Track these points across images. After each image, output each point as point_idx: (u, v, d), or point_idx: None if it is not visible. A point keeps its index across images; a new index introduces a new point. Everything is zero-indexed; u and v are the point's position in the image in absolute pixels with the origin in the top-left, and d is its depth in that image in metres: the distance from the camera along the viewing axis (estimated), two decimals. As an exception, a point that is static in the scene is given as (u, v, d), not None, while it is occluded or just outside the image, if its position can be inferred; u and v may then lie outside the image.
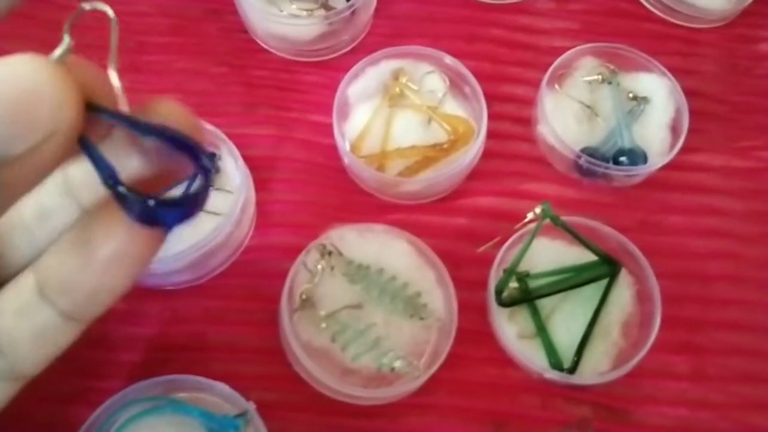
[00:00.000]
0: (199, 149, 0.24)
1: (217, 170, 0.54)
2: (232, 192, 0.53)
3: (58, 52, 0.23)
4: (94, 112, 0.23)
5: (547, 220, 0.52)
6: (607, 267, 0.55)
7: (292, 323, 0.48)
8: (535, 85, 0.63)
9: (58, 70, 0.21)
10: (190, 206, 0.24)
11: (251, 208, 0.55)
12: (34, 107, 0.21)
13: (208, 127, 0.53)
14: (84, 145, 0.23)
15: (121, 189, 0.23)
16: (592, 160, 0.58)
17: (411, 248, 0.53)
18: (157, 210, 0.23)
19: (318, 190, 0.59)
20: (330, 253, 0.50)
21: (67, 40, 0.23)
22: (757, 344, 0.55)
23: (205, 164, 0.24)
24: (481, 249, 0.54)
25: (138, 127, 0.24)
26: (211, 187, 0.25)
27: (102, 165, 0.23)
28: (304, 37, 0.63)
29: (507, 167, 0.62)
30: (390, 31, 0.67)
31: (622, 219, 0.59)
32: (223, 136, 0.54)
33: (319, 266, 0.50)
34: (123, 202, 0.23)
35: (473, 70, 0.62)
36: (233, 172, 0.54)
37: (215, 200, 0.52)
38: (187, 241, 0.49)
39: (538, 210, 0.53)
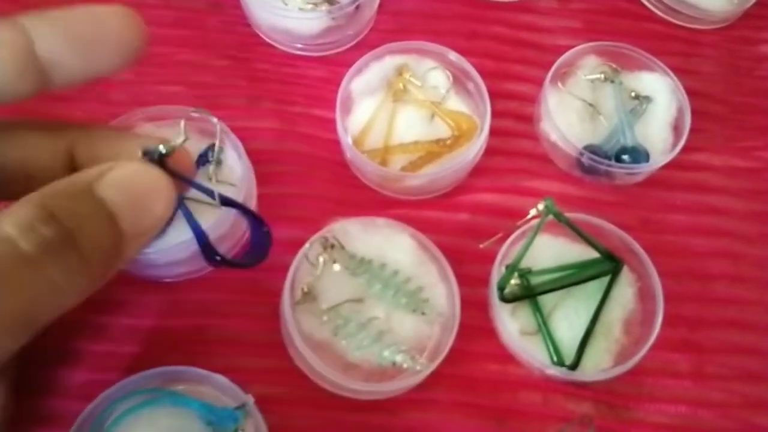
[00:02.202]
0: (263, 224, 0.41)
1: (219, 162, 0.54)
2: (235, 185, 0.53)
3: (175, 143, 0.35)
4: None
5: (550, 217, 0.52)
6: (609, 264, 0.54)
7: (294, 316, 0.47)
8: (538, 83, 0.63)
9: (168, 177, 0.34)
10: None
11: (253, 201, 0.55)
12: (154, 203, 0.33)
13: (212, 119, 0.53)
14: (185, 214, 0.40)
15: (218, 258, 0.41)
16: (595, 158, 0.58)
17: (414, 243, 0.52)
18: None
19: (321, 184, 0.59)
20: (332, 246, 0.50)
21: (180, 140, 0.36)
22: (757, 343, 0.55)
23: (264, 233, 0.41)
24: (484, 245, 0.54)
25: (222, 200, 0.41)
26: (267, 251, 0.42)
27: (197, 230, 0.40)
28: (307, 32, 0.63)
29: (509, 164, 0.62)
30: (393, 27, 0.67)
31: (624, 217, 0.59)
32: (227, 129, 0.54)
33: (321, 259, 0.50)
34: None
35: (476, 67, 0.62)
36: (235, 165, 0.54)
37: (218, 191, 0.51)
38: (189, 233, 0.48)
39: (541, 206, 0.53)
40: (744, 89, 0.68)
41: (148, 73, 0.61)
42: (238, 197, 0.51)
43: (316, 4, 0.61)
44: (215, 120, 0.51)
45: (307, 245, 0.50)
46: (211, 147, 0.54)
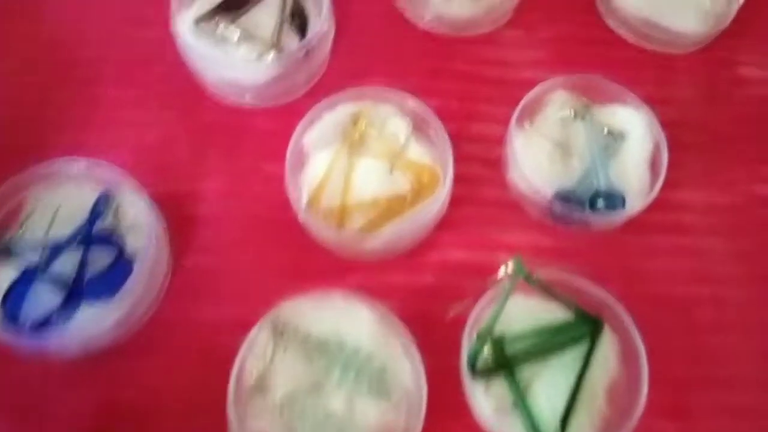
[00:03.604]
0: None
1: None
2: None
3: None
4: None
5: (522, 277, 0.48)
6: (588, 325, 0.51)
7: (242, 414, 0.43)
8: (505, 122, 0.59)
9: None
10: None
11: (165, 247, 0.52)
12: None
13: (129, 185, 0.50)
14: None
15: None
16: (567, 208, 0.54)
17: (374, 316, 0.48)
18: None
19: (271, 252, 0.54)
20: (282, 333, 0.46)
21: None
22: (746, 401, 0.52)
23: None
24: (452, 313, 0.50)
25: None
26: None
27: None
28: (255, 82, 0.58)
29: (477, 215, 0.58)
30: (349, 68, 0.63)
31: (601, 266, 0.55)
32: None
33: (271, 345, 0.45)
34: None
35: (438, 109, 0.57)
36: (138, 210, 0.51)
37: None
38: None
39: (510, 266, 0.49)
40: (723, 116, 0.64)
41: (93, 139, 0.57)
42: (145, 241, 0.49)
43: (261, 53, 0.57)
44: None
45: (254, 330, 0.45)
46: (105, 194, 0.52)
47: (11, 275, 0.48)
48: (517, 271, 0.48)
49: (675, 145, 0.57)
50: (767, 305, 0.55)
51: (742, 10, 0.64)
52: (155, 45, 0.60)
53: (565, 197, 0.55)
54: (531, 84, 0.59)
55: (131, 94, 0.60)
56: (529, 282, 0.49)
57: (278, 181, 0.55)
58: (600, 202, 0.55)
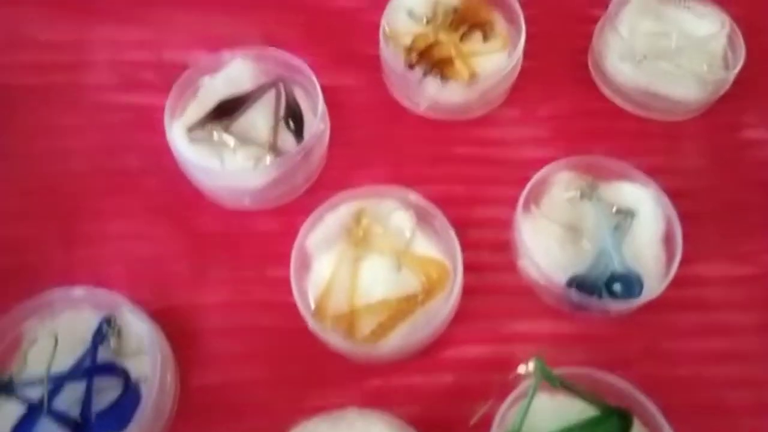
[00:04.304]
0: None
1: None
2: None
3: None
4: None
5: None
6: (617, 420, 0.48)
7: None
8: (509, 203, 0.58)
9: None
10: None
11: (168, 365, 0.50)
12: None
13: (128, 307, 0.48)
14: None
15: None
16: (583, 296, 0.52)
17: (392, 431, 0.46)
18: None
19: (281, 361, 0.53)
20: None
21: None
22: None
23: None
24: (473, 420, 0.47)
25: None
26: None
27: None
28: (253, 186, 0.57)
29: (491, 305, 0.56)
30: (348, 161, 0.62)
31: (624, 351, 0.54)
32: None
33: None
34: None
35: (442, 196, 0.56)
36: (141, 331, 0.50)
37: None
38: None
39: (531, 366, 0.47)
40: (732, 183, 0.62)
41: (81, 255, 0.56)
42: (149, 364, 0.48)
43: (258, 159, 0.56)
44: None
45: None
46: (106, 320, 0.50)
47: (15, 414, 0.46)
48: (540, 372, 0.46)
49: (687, 216, 0.55)
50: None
51: (742, 71, 0.63)
52: (151, 154, 0.60)
53: (579, 283, 0.53)
54: (533, 162, 0.59)
55: (125, 206, 0.59)
56: (551, 382, 0.46)
57: (283, 285, 0.53)
58: (617, 286, 0.54)
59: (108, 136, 0.61)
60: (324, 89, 0.59)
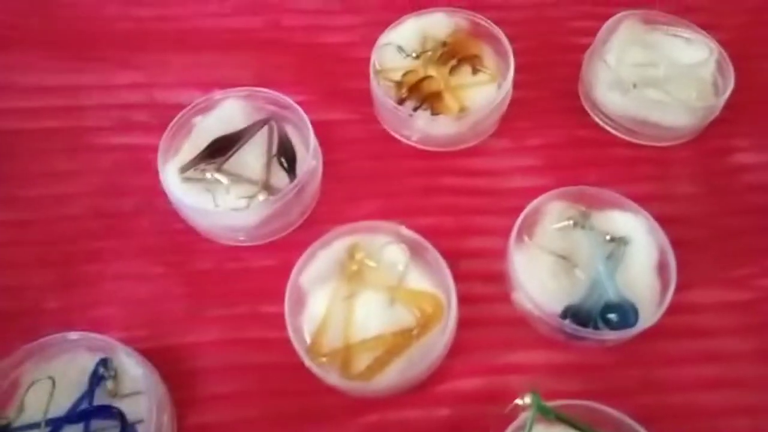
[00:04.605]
0: None
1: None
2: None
3: None
4: None
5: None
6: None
7: None
8: (501, 233, 0.58)
9: None
10: None
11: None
12: None
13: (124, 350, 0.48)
14: None
15: None
16: (578, 328, 0.52)
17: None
18: None
19: (277, 398, 0.53)
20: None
21: None
22: None
23: None
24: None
25: None
26: None
27: None
28: (247, 224, 0.58)
29: (486, 337, 0.56)
30: (341, 195, 0.63)
31: (620, 380, 0.54)
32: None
33: None
34: None
35: (433, 228, 0.57)
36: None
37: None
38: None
39: (527, 399, 0.47)
40: (725, 208, 0.62)
41: (76, 298, 0.56)
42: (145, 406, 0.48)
43: (251, 197, 0.56)
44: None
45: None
46: (103, 362, 0.50)
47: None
48: (535, 407, 0.46)
49: (680, 243, 0.56)
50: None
51: (732, 95, 0.64)
52: (146, 194, 0.60)
53: (574, 314, 0.53)
54: (524, 192, 0.59)
55: (121, 247, 0.59)
56: (545, 415, 0.46)
57: (278, 321, 0.53)
58: (612, 316, 0.54)
59: (103, 179, 0.62)
60: (316, 125, 0.60)
